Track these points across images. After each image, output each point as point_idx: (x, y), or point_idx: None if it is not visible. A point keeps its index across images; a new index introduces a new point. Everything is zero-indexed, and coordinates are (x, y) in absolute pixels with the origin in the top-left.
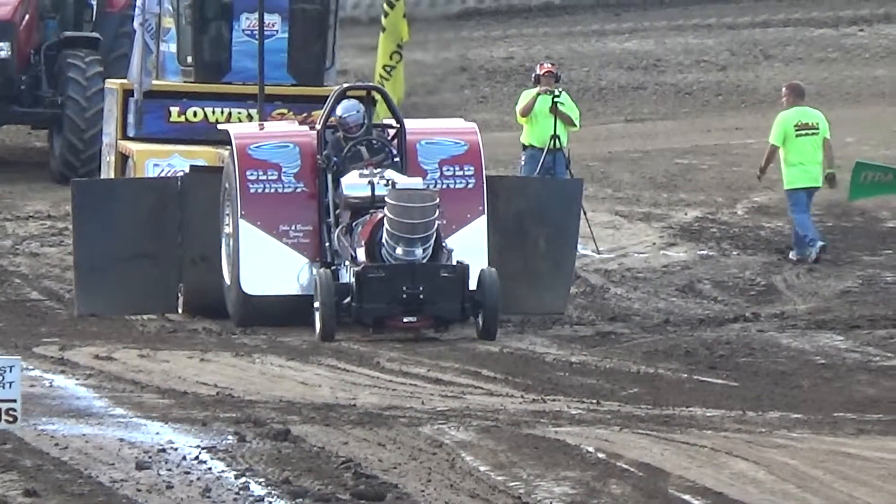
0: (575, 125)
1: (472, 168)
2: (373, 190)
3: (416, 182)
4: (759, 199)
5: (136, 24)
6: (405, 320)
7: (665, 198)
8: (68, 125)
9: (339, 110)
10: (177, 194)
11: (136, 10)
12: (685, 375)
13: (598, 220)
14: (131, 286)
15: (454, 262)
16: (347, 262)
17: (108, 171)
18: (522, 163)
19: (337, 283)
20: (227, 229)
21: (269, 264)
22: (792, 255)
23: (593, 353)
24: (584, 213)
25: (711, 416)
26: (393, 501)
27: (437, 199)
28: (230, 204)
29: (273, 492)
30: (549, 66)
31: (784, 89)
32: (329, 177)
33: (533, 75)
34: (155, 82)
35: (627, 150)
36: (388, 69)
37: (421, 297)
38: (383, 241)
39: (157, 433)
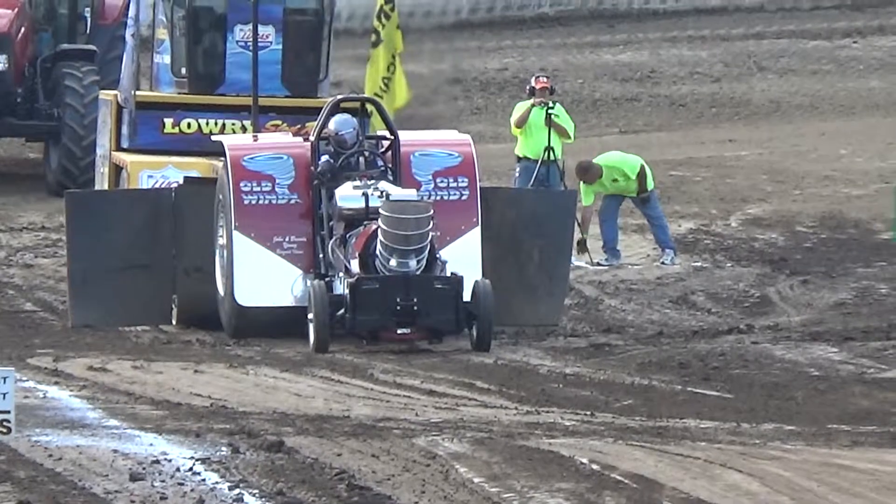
0: (570, 137)
1: (466, 180)
2: (367, 201)
3: (410, 194)
4: (753, 211)
5: (127, 35)
6: (399, 332)
7: None
8: (66, 132)
9: (333, 125)
10: (171, 205)
11: (129, 20)
12: (679, 387)
13: (593, 231)
14: (125, 297)
15: (448, 274)
16: (341, 274)
17: (101, 183)
18: (517, 174)
19: (331, 294)
20: (221, 241)
21: (262, 276)
22: (606, 260)
23: (587, 365)
24: (579, 225)
25: (705, 427)
26: None
27: (431, 211)
28: (224, 215)
29: (267, 503)
30: (545, 79)
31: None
32: (323, 188)
33: (527, 87)
34: (149, 93)
35: None
36: (385, 81)
37: (415, 308)
38: (377, 252)
39: (151, 444)
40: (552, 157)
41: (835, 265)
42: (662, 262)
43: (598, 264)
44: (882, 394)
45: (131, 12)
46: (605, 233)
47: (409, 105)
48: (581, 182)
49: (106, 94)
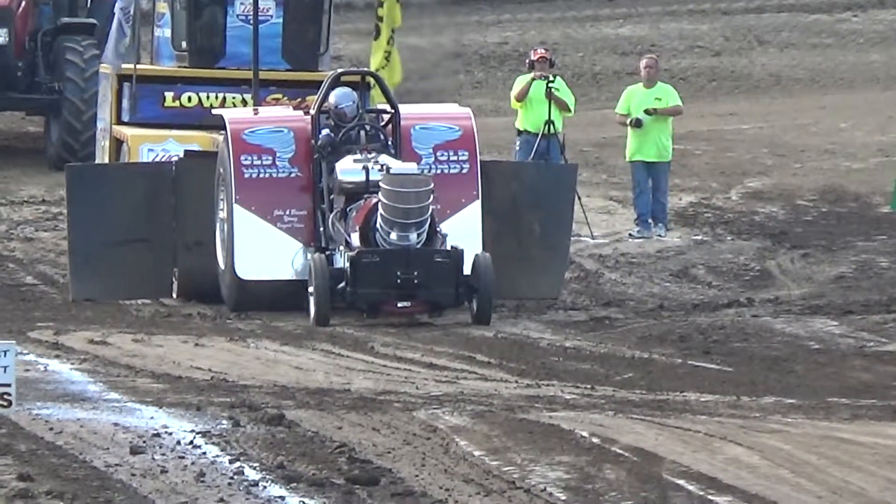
0: (570, 110)
1: (466, 153)
2: (367, 175)
3: (411, 167)
4: (754, 185)
5: (116, 7)
6: (399, 305)
7: None
8: (67, 107)
9: (333, 99)
10: (171, 179)
11: None
12: (679, 360)
13: (593, 205)
14: (126, 271)
15: (448, 247)
16: (342, 247)
17: (102, 157)
18: (517, 148)
19: (331, 268)
20: (222, 214)
21: (263, 249)
22: (639, 232)
23: (588, 338)
24: (579, 199)
25: (706, 401)
26: (387, 486)
27: (432, 184)
28: (224, 189)
29: (267, 476)
30: (543, 51)
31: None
32: (323, 162)
33: (527, 61)
34: (150, 67)
35: (622, 135)
36: (387, 54)
37: (415, 282)
38: (378, 226)
39: (152, 418)
40: (552, 131)
41: (835, 238)
42: (659, 236)
43: (631, 236)
44: (882, 367)
45: None
46: (640, 206)
47: (408, 79)
48: (633, 87)
49: (107, 68)
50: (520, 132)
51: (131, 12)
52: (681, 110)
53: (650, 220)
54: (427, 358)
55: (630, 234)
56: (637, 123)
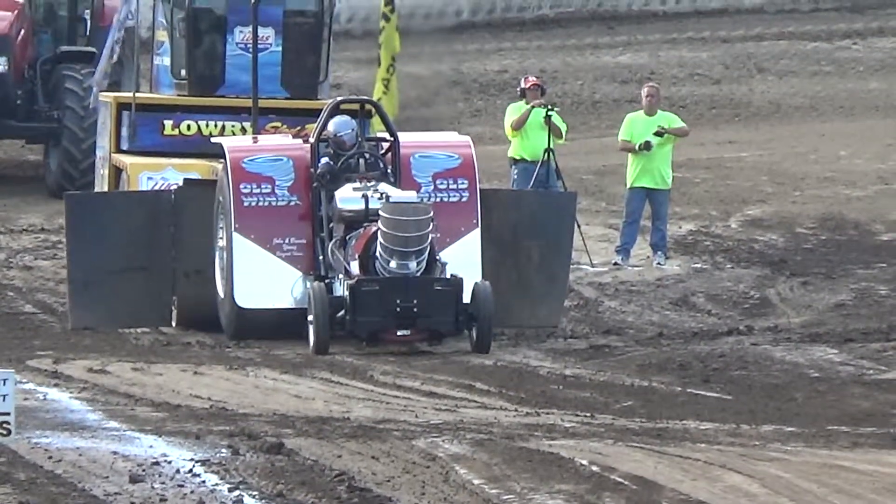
0: (562, 138)
1: (465, 181)
2: (366, 203)
3: (410, 195)
4: (753, 213)
5: (114, 32)
6: (399, 333)
7: None
8: (66, 135)
9: (332, 127)
10: (170, 207)
11: (117, 21)
12: (679, 388)
13: (592, 233)
14: (125, 299)
15: (448, 276)
16: (341, 276)
17: (101, 185)
18: (514, 176)
19: (331, 296)
20: (221, 242)
21: (262, 278)
22: (623, 259)
23: (587, 367)
24: (578, 227)
25: (705, 429)
26: None
27: (431, 213)
28: (224, 217)
29: None
30: (535, 78)
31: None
32: (323, 190)
33: (519, 88)
34: (149, 95)
35: (621, 163)
36: (386, 82)
37: (415, 310)
38: (377, 254)
39: (151, 446)
40: (551, 158)
41: (834, 266)
42: (658, 264)
43: (616, 264)
44: (882, 395)
45: (121, 14)
46: (626, 235)
47: (408, 106)
48: (634, 114)
49: (106, 96)
50: (515, 161)
51: (122, 35)
52: (688, 131)
53: (630, 252)
54: (426, 386)
55: (614, 263)
56: (647, 146)
